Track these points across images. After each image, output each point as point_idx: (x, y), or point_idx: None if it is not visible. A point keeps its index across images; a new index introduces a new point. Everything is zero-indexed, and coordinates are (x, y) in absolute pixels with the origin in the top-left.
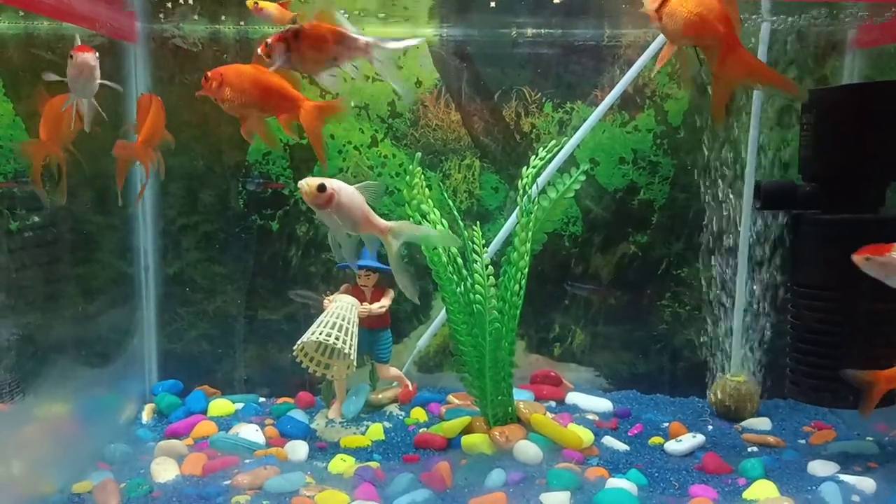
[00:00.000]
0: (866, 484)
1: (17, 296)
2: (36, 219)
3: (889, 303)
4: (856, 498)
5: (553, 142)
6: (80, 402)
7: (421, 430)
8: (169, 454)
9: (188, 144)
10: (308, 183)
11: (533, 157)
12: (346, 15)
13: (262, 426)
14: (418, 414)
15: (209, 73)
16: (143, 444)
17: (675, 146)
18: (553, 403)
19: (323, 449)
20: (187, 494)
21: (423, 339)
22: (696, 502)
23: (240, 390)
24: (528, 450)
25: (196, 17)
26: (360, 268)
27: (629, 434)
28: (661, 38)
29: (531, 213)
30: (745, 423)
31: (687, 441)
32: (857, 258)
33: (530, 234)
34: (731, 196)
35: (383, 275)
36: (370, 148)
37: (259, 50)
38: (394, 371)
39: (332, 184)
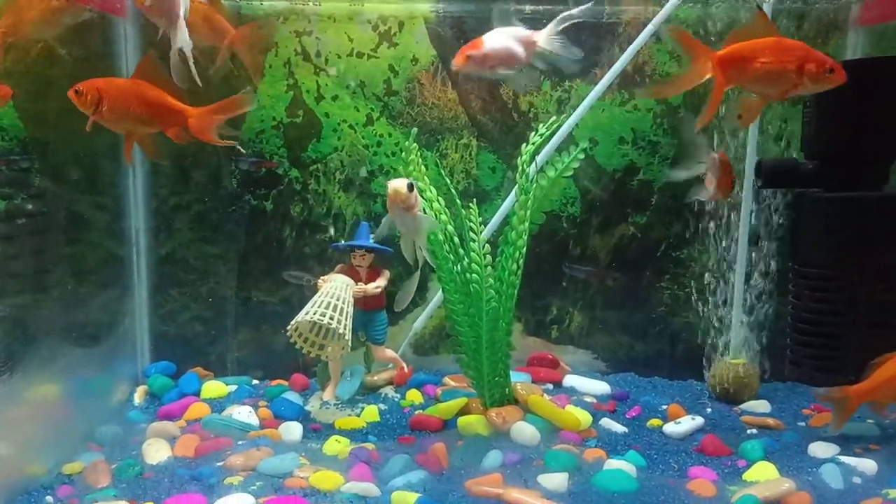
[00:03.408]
0: (867, 465)
1: (5, 275)
2: (24, 198)
3: (891, 282)
4: (857, 479)
5: (553, 118)
6: (70, 384)
7: (417, 412)
8: (161, 435)
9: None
10: (399, 184)
11: (532, 133)
12: None
13: (256, 408)
14: (414, 396)
15: (81, 87)
16: (135, 425)
17: (675, 125)
18: (550, 386)
19: (317, 430)
20: (179, 475)
21: (419, 320)
22: (696, 483)
23: (233, 372)
24: (525, 431)
25: None
26: (355, 248)
27: (627, 416)
28: (661, 15)
29: (529, 192)
30: (744, 406)
31: (686, 423)
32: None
33: (528, 213)
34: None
35: (378, 255)
36: (365, 127)
37: None
38: (389, 353)
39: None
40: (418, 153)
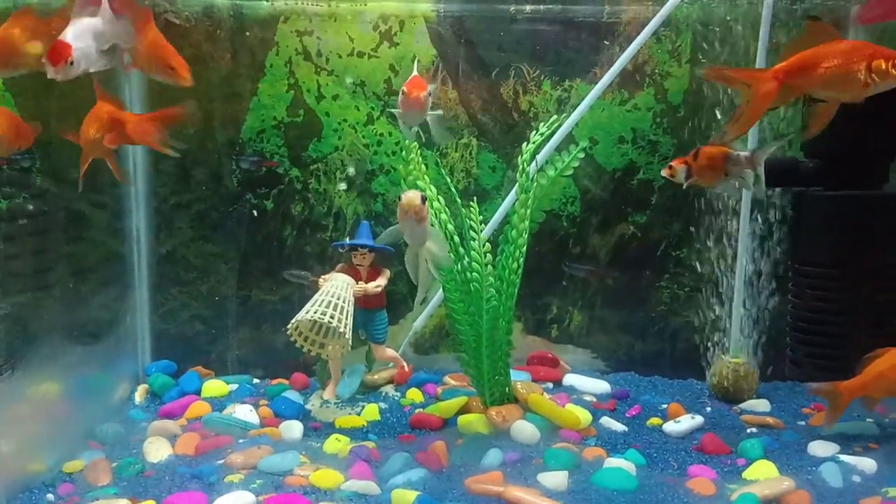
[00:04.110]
0: (867, 464)
1: (6, 274)
2: (26, 197)
3: (891, 281)
4: (856, 478)
5: (554, 117)
6: (71, 382)
7: (417, 411)
8: (162, 434)
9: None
10: (413, 195)
11: (533, 132)
12: None
13: (257, 406)
14: (414, 395)
15: None
16: (136, 424)
17: (675, 125)
18: (550, 385)
19: (318, 429)
20: (180, 473)
21: (420, 319)
22: (696, 482)
23: (234, 371)
24: (525, 429)
25: None
26: (356, 247)
27: (627, 415)
28: (661, 14)
29: (529, 190)
30: (743, 405)
31: (686, 422)
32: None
33: (529, 211)
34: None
35: (379, 254)
36: (366, 126)
37: None
38: (389, 352)
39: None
40: (418, 152)
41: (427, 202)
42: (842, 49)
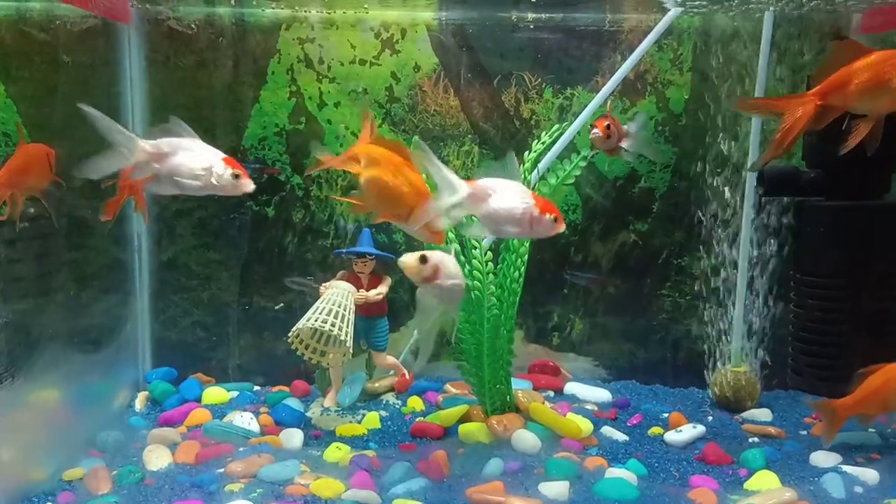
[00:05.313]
0: (869, 475)
1: (8, 281)
2: (27, 202)
3: (892, 291)
4: (858, 489)
5: (556, 125)
6: (72, 389)
7: (418, 419)
8: (162, 442)
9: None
10: (407, 260)
11: (535, 141)
12: None
13: (257, 414)
14: (415, 403)
15: None
16: (136, 431)
17: (677, 133)
18: (551, 393)
19: (318, 437)
20: (180, 482)
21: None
22: (697, 493)
23: (234, 378)
24: (526, 439)
25: None
26: (357, 254)
27: (628, 424)
28: (663, 23)
29: None
30: (745, 414)
31: (687, 431)
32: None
33: None
34: (733, 183)
35: (380, 262)
36: None
37: None
38: (390, 359)
39: (434, 255)
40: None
41: (437, 258)
42: (873, 61)
